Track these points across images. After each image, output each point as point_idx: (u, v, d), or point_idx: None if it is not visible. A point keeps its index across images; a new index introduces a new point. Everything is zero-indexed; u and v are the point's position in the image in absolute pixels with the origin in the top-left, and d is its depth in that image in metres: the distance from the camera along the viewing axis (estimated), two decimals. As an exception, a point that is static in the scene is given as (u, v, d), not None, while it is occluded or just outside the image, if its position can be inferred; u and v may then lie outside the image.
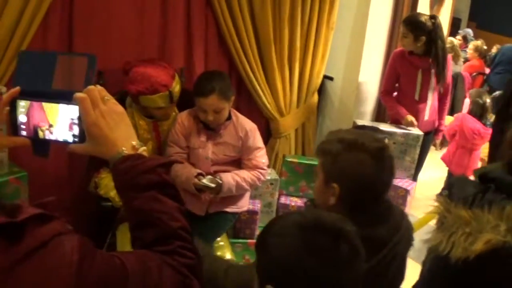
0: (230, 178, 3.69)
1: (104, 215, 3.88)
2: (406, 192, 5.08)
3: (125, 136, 1.58)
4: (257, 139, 3.82)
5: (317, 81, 5.05)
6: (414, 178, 5.32)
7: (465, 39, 11.34)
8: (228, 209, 3.86)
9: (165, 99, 3.57)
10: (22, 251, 1.12)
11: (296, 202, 4.93)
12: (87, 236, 3.33)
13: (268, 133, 4.95)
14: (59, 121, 1.55)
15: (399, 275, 2.35)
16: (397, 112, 5.15)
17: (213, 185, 3.59)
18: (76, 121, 1.54)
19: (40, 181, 3.85)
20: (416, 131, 4.98)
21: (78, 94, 1.48)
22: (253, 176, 3.77)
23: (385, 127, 4.93)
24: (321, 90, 5.25)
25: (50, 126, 1.56)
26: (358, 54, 5.12)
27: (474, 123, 6.06)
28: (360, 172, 2.17)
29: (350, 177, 2.19)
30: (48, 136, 1.58)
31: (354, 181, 2.18)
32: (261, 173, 3.80)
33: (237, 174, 3.74)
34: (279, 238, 1.65)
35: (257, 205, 4.59)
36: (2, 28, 3.41)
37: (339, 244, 1.60)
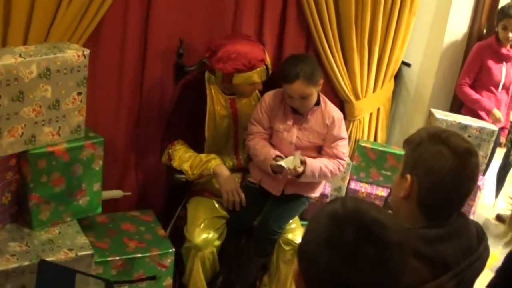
0: (314, 162, 3.40)
1: (176, 187, 3.67)
2: (477, 187, 4.72)
3: None
4: (342, 129, 3.53)
5: (396, 66, 4.70)
6: (484, 173, 4.99)
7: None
8: (304, 193, 3.57)
9: (262, 74, 3.36)
10: None
11: (366, 188, 4.60)
12: (156, 207, 3.22)
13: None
14: None
15: None
16: (482, 105, 4.77)
17: (289, 166, 3.30)
18: None
19: (114, 148, 3.70)
20: (491, 126, 4.59)
21: None
22: (334, 165, 3.48)
23: (461, 119, 4.56)
24: (397, 76, 4.90)
25: None
26: (438, 42, 4.75)
27: None
28: (436, 166, 1.85)
29: (425, 170, 1.87)
30: None
31: (428, 175, 1.86)
32: (341, 163, 3.51)
33: (321, 161, 3.46)
34: (313, 223, 1.42)
35: (327, 189, 4.30)
36: None
37: (364, 245, 1.30)
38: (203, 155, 3.42)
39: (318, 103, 3.45)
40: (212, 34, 3.82)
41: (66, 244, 2.90)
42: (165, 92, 3.83)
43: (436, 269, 1.79)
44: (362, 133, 4.78)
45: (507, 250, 2.08)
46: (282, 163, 3.30)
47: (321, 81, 3.39)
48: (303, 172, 3.34)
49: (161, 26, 3.67)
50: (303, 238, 1.44)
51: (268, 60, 3.39)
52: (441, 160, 1.85)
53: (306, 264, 1.41)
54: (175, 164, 3.41)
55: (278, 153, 3.41)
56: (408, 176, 1.91)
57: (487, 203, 5.74)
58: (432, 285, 1.76)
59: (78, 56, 2.86)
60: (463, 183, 1.88)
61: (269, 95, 3.52)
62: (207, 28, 3.84)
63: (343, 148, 3.54)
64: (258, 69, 3.32)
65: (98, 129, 3.23)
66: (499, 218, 5.63)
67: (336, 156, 3.50)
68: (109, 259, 3.16)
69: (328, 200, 4.30)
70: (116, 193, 3.50)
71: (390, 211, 2.15)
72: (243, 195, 3.38)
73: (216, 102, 3.51)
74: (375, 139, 4.90)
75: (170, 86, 3.78)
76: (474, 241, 1.93)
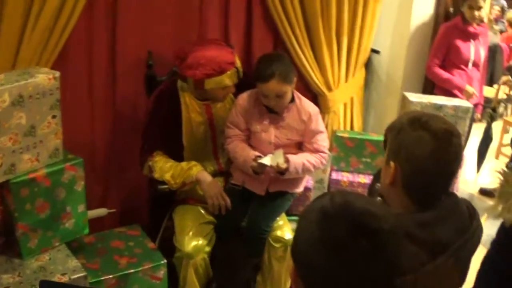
0: (297, 159, 3.42)
1: (160, 198, 3.66)
2: (458, 164, 4.77)
3: None
4: (319, 123, 3.56)
5: (365, 54, 4.76)
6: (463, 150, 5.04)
7: (503, 10, 10.90)
8: (288, 189, 3.59)
9: (233, 76, 3.35)
10: None
11: (347, 177, 4.66)
12: (142, 221, 3.21)
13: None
14: None
15: (461, 281, 2.01)
16: (453, 84, 4.86)
17: (272, 164, 3.32)
18: None
19: (93, 167, 3.68)
20: (465, 103, 4.63)
21: None
22: (317, 159, 3.50)
23: (435, 99, 4.60)
24: (368, 64, 4.96)
25: None
26: (405, 26, 4.80)
27: None
28: (417, 152, 1.85)
29: (406, 156, 1.88)
30: None
31: (409, 161, 1.87)
32: (322, 156, 3.53)
33: (303, 156, 3.48)
34: (303, 221, 1.41)
35: (310, 182, 4.35)
36: (48, 12, 3.23)
37: (357, 237, 1.30)
38: (183, 164, 3.41)
39: (292, 100, 3.47)
40: (180, 41, 3.82)
41: (58, 269, 2.89)
42: (138, 104, 3.83)
43: (433, 251, 1.80)
44: (338, 123, 4.82)
45: (494, 222, 2.14)
46: (264, 161, 3.31)
47: (295, 79, 3.41)
48: (287, 169, 3.36)
49: (128, 39, 3.68)
50: (295, 238, 1.44)
51: (238, 63, 3.39)
52: (422, 145, 1.85)
53: (302, 264, 1.41)
54: (156, 175, 3.39)
55: (257, 153, 3.42)
56: (392, 163, 1.93)
57: (469, 179, 5.82)
58: (431, 267, 1.77)
59: (49, 79, 2.84)
60: (447, 165, 1.88)
61: (243, 97, 3.53)
62: (174, 36, 3.85)
63: (323, 141, 3.56)
64: (228, 72, 3.31)
65: (75, 150, 3.21)
66: (483, 192, 5.71)
67: (317, 151, 3.51)
68: (102, 278, 3.14)
69: (311, 193, 4.33)
70: (101, 212, 3.48)
71: (379, 198, 2.19)
72: (227, 199, 3.38)
73: (191, 109, 3.51)
74: (352, 128, 4.94)
75: (142, 98, 3.77)
76: (467, 219, 1.95)
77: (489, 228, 2.09)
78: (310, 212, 1.41)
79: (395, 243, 1.36)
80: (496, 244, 2.32)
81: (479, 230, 1.97)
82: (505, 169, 2.19)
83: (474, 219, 1.96)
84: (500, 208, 2.11)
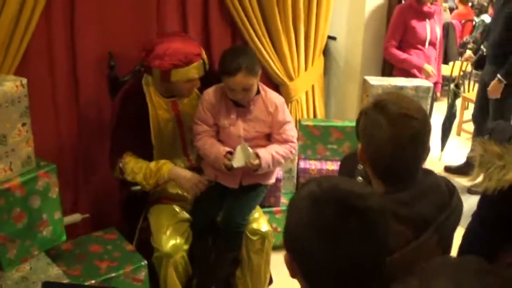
0: (266, 153, 3.45)
1: (133, 199, 3.64)
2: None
3: None
4: (286, 113, 3.58)
5: (322, 41, 4.80)
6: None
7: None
8: (261, 181, 3.62)
9: (200, 68, 3.34)
10: None
11: (315, 165, 4.69)
12: (119, 222, 3.20)
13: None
14: None
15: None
16: (412, 63, 4.95)
17: (246, 161, 3.34)
18: None
19: (62, 173, 3.63)
20: (425, 82, 4.70)
21: None
22: (286, 149, 3.53)
23: (395, 81, 4.66)
24: (325, 51, 4.99)
25: None
26: (360, 11, 4.86)
27: None
28: (375, 136, 1.91)
29: (368, 140, 1.95)
30: None
31: (370, 144, 1.94)
32: (292, 146, 3.57)
33: (272, 149, 3.51)
34: (293, 209, 1.46)
35: (279, 172, 4.36)
36: (6, 20, 3.20)
37: (347, 218, 1.35)
38: (152, 164, 3.38)
39: (258, 92, 3.48)
40: (139, 39, 3.76)
41: (40, 278, 2.88)
42: (102, 107, 3.82)
43: (417, 228, 1.84)
44: (301, 112, 4.85)
45: (464, 199, 2.20)
46: (237, 164, 3.33)
47: (260, 71, 3.42)
48: (260, 165, 3.38)
49: (88, 42, 3.66)
50: (286, 225, 1.46)
51: (204, 55, 3.39)
52: (379, 130, 1.89)
53: (296, 251, 1.44)
54: (128, 177, 3.38)
55: (228, 149, 3.43)
56: (359, 144, 2.00)
57: (433, 157, 5.93)
58: (416, 244, 1.81)
59: (17, 86, 2.82)
60: (406, 149, 1.90)
61: (208, 93, 3.53)
62: (133, 35, 3.82)
63: (291, 131, 3.58)
64: (195, 63, 3.30)
65: (43, 157, 3.19)
66: (448, 169, 5.82)
67: (286, 141, 3.54)
68: (85, 284, 3.13)
69: (281, 184, 4.37)
70: (75, 217, 3.47)
71: (359, 178, 2.24)
72: (204, 180, 3.40)
73: (158, 106, 3.49)
74: (315, 115, 4.98)
75: (106, 99, 3.75)
76: (446, 196, 2.00)
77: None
78: (299, 199, 1.44)
79: (384, 222, 1.40)
80: (478, 216, 2.37)
81: (459, 206, 2.02)
82: (480, 138, 2.24)
83: (454, 195, 2.01)
84: (481, 177, 2.16)
